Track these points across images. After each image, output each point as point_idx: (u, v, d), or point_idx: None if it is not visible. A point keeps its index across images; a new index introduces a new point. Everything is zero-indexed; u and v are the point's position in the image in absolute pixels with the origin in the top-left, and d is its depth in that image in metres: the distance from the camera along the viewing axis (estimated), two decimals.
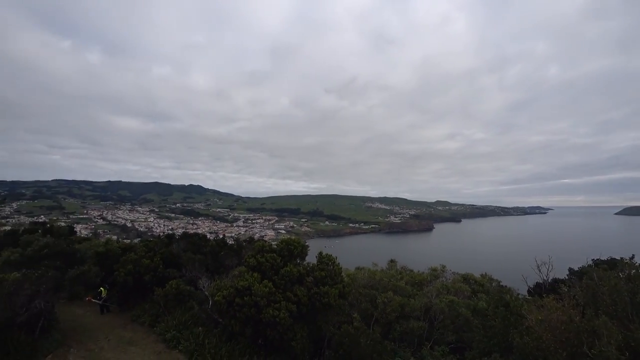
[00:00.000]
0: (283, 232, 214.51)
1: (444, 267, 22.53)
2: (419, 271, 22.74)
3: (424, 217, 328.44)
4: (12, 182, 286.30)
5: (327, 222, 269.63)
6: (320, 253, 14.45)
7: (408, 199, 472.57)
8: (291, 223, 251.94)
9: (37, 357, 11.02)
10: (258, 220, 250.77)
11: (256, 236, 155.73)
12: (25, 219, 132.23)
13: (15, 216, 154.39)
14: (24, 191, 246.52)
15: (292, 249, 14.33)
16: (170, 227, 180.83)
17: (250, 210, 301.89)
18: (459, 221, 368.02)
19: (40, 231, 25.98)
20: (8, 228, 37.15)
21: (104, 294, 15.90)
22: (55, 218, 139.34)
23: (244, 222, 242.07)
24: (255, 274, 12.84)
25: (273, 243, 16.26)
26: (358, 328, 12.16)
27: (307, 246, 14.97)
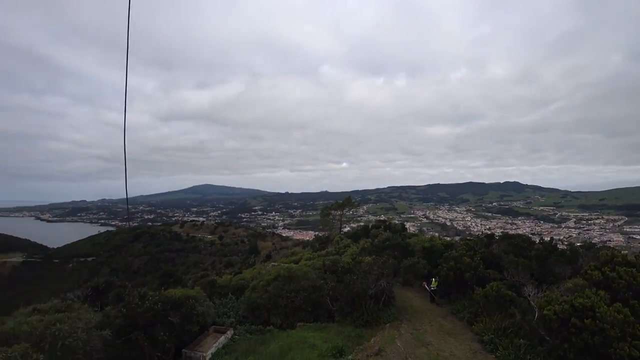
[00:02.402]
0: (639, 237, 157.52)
1: None
2: None
3: None
4: (363, 190, 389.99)
5: None
6: None
7: None
8: None
9: (379, 322, 14.83)
10: (596, 221, 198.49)
11: (595, 241, 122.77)
12: (372, 218, 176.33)
13: (365, 215, 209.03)
14: (369, 197, 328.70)
15: None
16: (487, 227, 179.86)
17: (583, 207, 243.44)
18: None
19: (382, 227, 34.45)
20: (362, 224, 52.03)
21: (434, 285, 18.69)
22: (391, 217, 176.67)
23: (575, 222, 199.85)
24: (601, 292, 10.90)
25: (626, 252, 13.18)
26: None
27: None
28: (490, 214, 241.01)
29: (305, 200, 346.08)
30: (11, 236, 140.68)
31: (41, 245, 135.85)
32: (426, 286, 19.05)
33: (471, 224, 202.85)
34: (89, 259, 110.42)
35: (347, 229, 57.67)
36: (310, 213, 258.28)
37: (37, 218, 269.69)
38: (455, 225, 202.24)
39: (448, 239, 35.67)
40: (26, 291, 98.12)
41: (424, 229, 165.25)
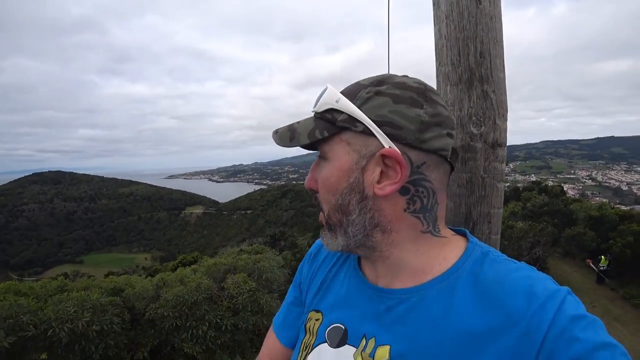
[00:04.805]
0: None
1: None
2: None
3: None
4: (510, 146, 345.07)
5: None
6: None
7: None
8: None
9: None
10: None
11: None
12: (520, 177, 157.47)
13: (512, 175, 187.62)
14: (517, 153, 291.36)
15: None
16: None
17: None
18: None
19: (536, 189, 31.07)
20: (508, 184, 47.44)
21: (603, 263, 15.97)
22: (544, 177, 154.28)
23: None
24: None
25: None
26: None
27: None
28: None
29: None
30: (193, 193, 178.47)
31: (214, 200, 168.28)
32: (592, 264, 16.60)
33: None
34: (248, 211, 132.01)
35: None
36: None
37: (209, 179, 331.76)
38: (634, 191, 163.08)
39: (624, 208, 29.61)
40: (206, 235, 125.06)
41: (587, 193, 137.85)
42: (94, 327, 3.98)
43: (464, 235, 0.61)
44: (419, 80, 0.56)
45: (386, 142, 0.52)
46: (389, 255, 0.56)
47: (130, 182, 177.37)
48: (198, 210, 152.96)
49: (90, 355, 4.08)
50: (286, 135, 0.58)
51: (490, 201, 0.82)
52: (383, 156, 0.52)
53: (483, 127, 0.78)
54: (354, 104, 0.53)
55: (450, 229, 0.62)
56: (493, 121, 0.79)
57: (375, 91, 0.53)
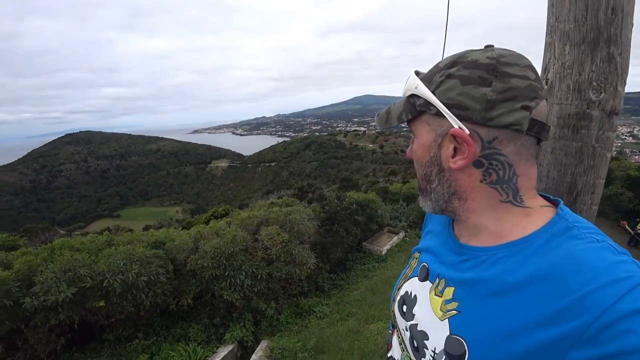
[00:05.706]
0: None
1: None
2: None
3: None
4: None
5: None
6: None
7: None
8: None
9: None
10: None
11: None
12: None
13: None
14: None
15: None
16: None
17: None
18: None
19: None
20: None
21: None
22: None
23: None
24: None
25: None
26: None
27: None
28: None
29: None
30: (218, 147, 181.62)
31: (239, 153, 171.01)
32: (627, 227, 15.51)
33: None
34: (272, 164, 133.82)
35: None
36: None
37: (233, 133, 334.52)
38: None
39: None
40: (232, 188, 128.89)
41: (626, 151, 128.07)
42: (143, 277, 4.27)
43: (557, 206, 0.61)
44: (496, 53, 0.55)
45: (455, 123, 0.57)
46: (465, 219, 0.64)
47: (157, 139, 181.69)
48: (223, 163, 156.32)
49: (141, 302, 4.44)
50: (383, 118, 0.69)
51: (597, 171, 0.79)
52: (453, 135, 0.57)
53: (603, 94, 0.71)
54: (429, 88, 0.59)
55: (546, 198, 0.63)
56: (614, 87, 0.71)
57: (447, 74, 0.58)
